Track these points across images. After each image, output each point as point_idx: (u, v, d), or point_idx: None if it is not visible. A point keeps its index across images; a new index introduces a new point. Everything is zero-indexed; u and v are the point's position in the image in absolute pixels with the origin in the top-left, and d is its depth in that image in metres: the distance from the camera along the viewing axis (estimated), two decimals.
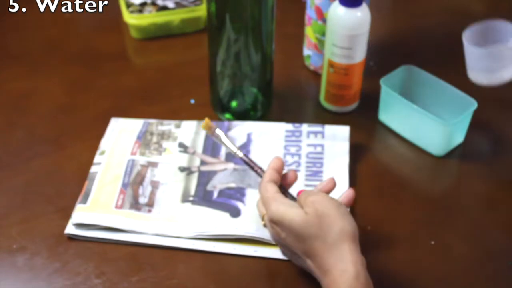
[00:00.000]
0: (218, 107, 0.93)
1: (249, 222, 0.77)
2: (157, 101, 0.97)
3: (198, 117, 0.92)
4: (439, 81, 0.89)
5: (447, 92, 0.88)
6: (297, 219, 0.66)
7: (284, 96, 0.97)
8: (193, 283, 0.73)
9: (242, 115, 0.92)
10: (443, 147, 0.87)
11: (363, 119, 0.93)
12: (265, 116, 0.93)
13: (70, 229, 0.77)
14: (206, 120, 0.81)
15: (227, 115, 0.93)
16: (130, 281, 0.73)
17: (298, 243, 0.66)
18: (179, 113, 0.94)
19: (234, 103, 0.92)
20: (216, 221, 0.78)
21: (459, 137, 0.89)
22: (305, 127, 0.90)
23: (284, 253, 0.73)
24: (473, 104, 0.85)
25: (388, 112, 0.92)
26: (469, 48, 0.86)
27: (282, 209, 0.67)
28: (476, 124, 0.89)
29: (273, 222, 0.68)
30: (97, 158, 0.86)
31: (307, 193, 0.69)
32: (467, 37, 0.87)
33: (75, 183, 0.83)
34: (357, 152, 0.88)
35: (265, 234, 0.75)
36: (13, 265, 0.75)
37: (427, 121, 0.85)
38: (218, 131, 0.80)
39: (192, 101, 0.96)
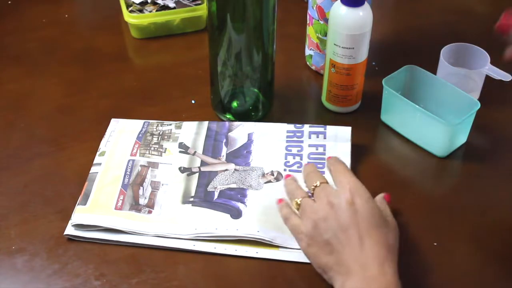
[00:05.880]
0: (219, 108, 0.92)
1: (251, 223, 0.77)
2: (158, 101, 0.96)
3: (198, 117, 0.92)
4: (442, 81, 0.89)
5: (450, 92, 0.88)
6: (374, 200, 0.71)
7: (285, 97, 0.97)
8: (194, 284, 0.73)
9: (243, 116, 0.92)
10: (446, 147, 0.87)
11: (365, 120, 0.93)
12: (266, 116, 0.93)
13: (69, 230, 0.77)
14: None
15: (228, 116, 0.92)
16: (130, 283, 0.72)
17: (350, 220, 0.68)
18: (180, 114, 0.93)
19: (235, 104, 0.92)
20: (217, 222, 0.77)
21: (462, 138, 0.88)
22: (306, 128, 0.89)
23: (306, 237, 0.70)
24: (476, 105, 0.85)
25: (390, 113, 0.91)
26: (443, 64, 0.89)
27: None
28: (479, 125, 0.89)
29: (351, 189, 0.71)
30: (97, 159, 0.86)
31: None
32: (444, 53, 0.91)
33: (75, 184, 0.83)
34: (359, 153, 0.87)
35: (267, 235, 0.75)
36: (12, 267, 0.74)
37: (429, 122, 0.84)
38: None
39: (193, 102, 0.96)
